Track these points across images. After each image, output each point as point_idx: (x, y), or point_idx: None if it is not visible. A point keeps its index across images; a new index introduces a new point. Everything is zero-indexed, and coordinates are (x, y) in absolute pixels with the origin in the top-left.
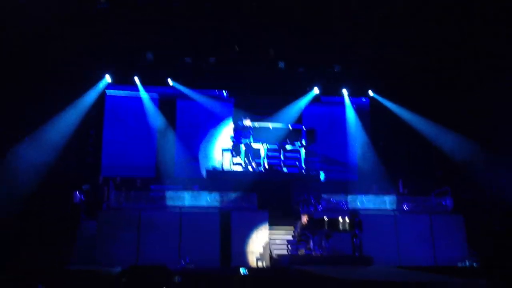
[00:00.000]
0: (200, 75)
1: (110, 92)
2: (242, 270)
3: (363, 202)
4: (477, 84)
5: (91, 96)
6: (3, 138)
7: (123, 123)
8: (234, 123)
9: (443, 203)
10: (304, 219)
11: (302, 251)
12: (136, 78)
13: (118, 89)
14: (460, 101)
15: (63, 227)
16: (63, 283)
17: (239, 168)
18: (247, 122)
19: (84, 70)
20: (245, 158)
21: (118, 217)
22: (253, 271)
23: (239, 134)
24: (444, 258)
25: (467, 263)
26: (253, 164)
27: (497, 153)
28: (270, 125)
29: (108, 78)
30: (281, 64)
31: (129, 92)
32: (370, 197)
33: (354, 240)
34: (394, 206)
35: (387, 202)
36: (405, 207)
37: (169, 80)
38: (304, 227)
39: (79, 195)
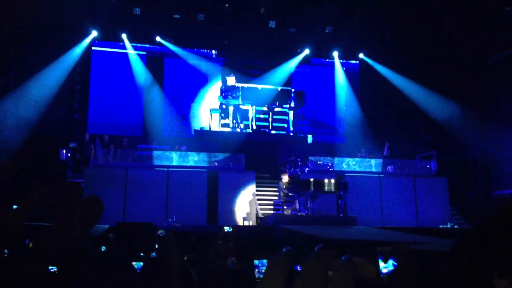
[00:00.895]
0: (188, 33)
1: (97, 48)
2: (226, 228)
3: (350, 164)
4: (467, 47)
5: (77, 51)
6: None
7: (110, 80)
8: (223, 84)
9: (428, 166)
10: (285, 178)
11: (288, 211)
12: (123, 35)
13: (105, 46)
14: (449, 65)
15: (49, 184)
16: (50, 240)
17: (227, 129)
18: (231, 80)
19: (70, 24)
20: (233, 119)
21: (105, 175)
22: (239, 229)
23: (228, 94)
24: (426, 220)
25: (449, 225)
26: (241, 125)
27: (484, 116)
28: (259, 86)
29: (94, 33)
30: (272, 24)
31: (116, 49)
32: (357, 159)
33: (339, 201)
34: (380, 169)
35: (373, 165)
36: (389, 169)
37: (157, 38)
38: (290, 188)
39: (65, 153)
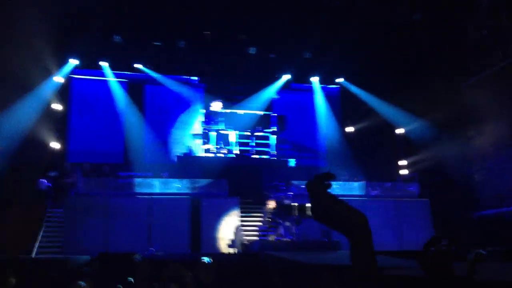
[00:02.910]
0: (169, 59)
1: (77, 76)
2: (206, 259)
3: (333, 188)
4: (445, 71)
5: (56, 79)
6: None
7: (90, 108)
8: (205, 109)
9: (410, 188)
10: (271, 204)
11: (272, 237)
12: (104, 63)
13: (85, 74)
14: (426, 88)
15: (30, 215)
16: (32, 273)
17: (210, 154)
18: (217, 105)
19: (50, 53)
20: (216, 145)
21: (86, 204)
22: (222, 257)
23: (210, 120)
24: (410, 242)
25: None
26: (224, 150)
27: (463, 138)
28: (241, 111)
29: (74, 62)
30: (253, 50)
31: (97, 76)
32: (340, 183)
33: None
34: (363, 192)
35: (356, 188)
36: (372, 192)
37: (137, 65)
38: (272, 213)
39: (46, 182)
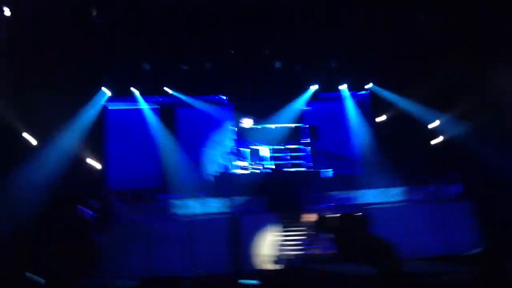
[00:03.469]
0: (197, 81)
1: (112, 107)
2: (253, 282)
3: (372, 195)
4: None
5: (92, 111)
6: (7, 159)
7: (127, 136)
8: (236, 127)
9: (453, 190)
10: (311, 217)
11: (316, 250)
12: (134, 90)
13: (118, 102)
14: (463, 87)
15: (75, 245)
16: None
17: (245, 172)
18: (248, 122)
19: (80, 84)
20: (251, 161)
21: (129, 230)
22: (265, 273)
23: (242, 136)
24: (456, 246)
25: (479, 250)
26: (259, 166)
27: (505, 137)
28: (272, 125)
29: (107, 92)
30: (278, 64)
31: (130, 104)
32: (378, 190)
33: None
34: (403, 198)
35: (396, 194)
36: (413, 197)
37: (167, 89)
38: (315, 226)
39: (88, 211)
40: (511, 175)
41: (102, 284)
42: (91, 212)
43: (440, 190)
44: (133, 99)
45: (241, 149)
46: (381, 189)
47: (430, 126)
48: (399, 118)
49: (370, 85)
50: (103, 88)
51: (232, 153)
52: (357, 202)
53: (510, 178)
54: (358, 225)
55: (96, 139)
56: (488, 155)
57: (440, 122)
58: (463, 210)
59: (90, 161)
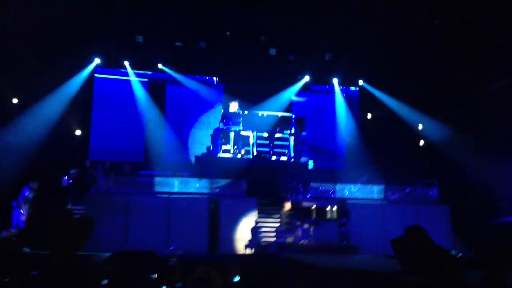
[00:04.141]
0: (190, 60)
1: (99, 75)
2: (236, 278)
3: (351, 191)
4: (467, 75)
5: (80, 78)
6: None
7: (112, 107)
8: (224, 110)
9: (430, 193)
10: (287, 206)
11: (290, 239)
12: (126, 62)
13: (107, 73)
14: (449, 92)
15: (52, 211)
16: (52, 267)
17: (228, 155)
18: (234, 106)
19: (73, 51)
20: (234, 145)
21: (106, 202)
22: (240, 257)
23: (229, 120)
24: None
25: (453, 253)
26: (242, 151)
27: (484, 144)
28: (260, 112)
29: (97, 61)
30: (272, 51)
31: (119, 76)
32: (358, 186)
33: (342, 228)
34: (382, 196)
35: (374, 191)
36: (391, 196)
37: (159, 65)
38: (292, 215)
39: (66, 179)
40: (489, 182)
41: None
42: (68, 180)
43: (418, 192)
44: (123, 71)
45: (226, 132)
46: (361, 186)
47: (415, 128)
48: (385, 117)
49: (361, 82)
50: (95, 58)
51: (217, 135)
52: (336, 195)
53: (487, 186)
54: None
55: (81, 107)
56: (467, 161)
57: (424, 126)
58: (438, 214)
59: (73, 128)
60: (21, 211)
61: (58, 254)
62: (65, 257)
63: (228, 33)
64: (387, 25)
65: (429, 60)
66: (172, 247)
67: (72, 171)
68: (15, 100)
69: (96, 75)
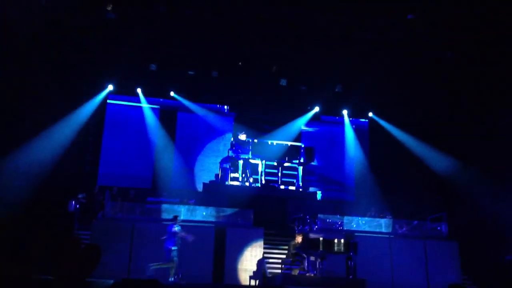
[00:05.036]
0: (202, 88)
1: (112, 101)
2: None
3: (359, 223)
4: (478, 108)
5: (92, 104)
6: (3, 143)
7: (123, 133)
8: (234, 138)
9: (438, 228)
10: (298, 239)
11: (296, 271)
12: (138, 89)
13: (120, 99)
14: (459, 125)
15: (56, 236)
16: None
17: (236, 183)
18: (243, 137)
19: (87, 78)
20: (243, 173)
21: (112, 228)
22: None
23: (238, 148)
24: (437, 284)
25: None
26: (251, 179)
27: (495, 179)
28: (269, 141)
29: (110, 87)
30: (283, 82)
31: (131, 102)
32: (366, 219)
33: (349, 262)
34: (390, 230)
35: (382, 225)
36: (399, 230)
37: (171, 92)
38: (298, 247)
39: (74, 204)
40: (498, 218)
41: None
42: (75, 205)
43: (426, 227)
44: (135, 98)
45: (235, 160)
46: (369, 219)
47: (425, 161)
48: (395, 150)
49: (371, 114)
50: (109, 85)
51: (226, 163)
52: (343, 227)
53: (497, 221)
54: None
55: (93, 132)
56: (478, 197)
57: (434, 159)
58: (447, 249)
59: (84, 153)
60: None
61: (64, 280)
62: (71, 283)
63: (240, 63)
64: (398, 58)
65: (440, 94)
66: (176, 276)
67: (80, 196)
68: (28, 123)
69: (108, 101)
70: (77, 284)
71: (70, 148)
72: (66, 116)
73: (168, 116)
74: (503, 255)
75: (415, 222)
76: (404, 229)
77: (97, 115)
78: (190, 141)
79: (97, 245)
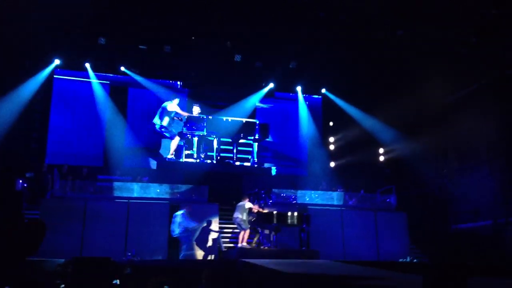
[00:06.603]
0: (154, 63)
1: (59, 76)
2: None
3: (312, 197)
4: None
5: (38, 79)
6: None
7: (72, 109)
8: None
9: (388, 200)
10: (247, 204)
11: (250, 245)
12: (87, 64)
13: (67, 74)
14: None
15: (3, 216)
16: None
17: (190, 160)
18: (196, 110)
19: (33, 51)
20: (197, 150)
21: (62, 207)
22: (202, 263)
23: (192, 125)
24: (386, 253)
25: (408, 259)
26: (202, 155)
27: (443, 153)
28: (224, 118)
29: (57, 62)
30: (238, 58)
31: (79, 77)
32: (319, 192)
33: (302, 234)
34: (341, 202)
35: (334, 198)
36: (350, 202)
37: (122, 67)
38: (253, 221)
39: (21, 183)
40: (444, 191)
41: (30, 260)
42: (23, 184)
43: (376, 199)
44: (84, 73)
45: (189, 137)
46: (322, 192)
47: (375, 137)
48: (346, 126)
49: (324, 90)
50: (55, 60)
51: (180, 140)
52: (297, 201)
53: (442, 193)
54: None
55: (39, 109)
56: (426, 170)
57: (384, 135)
58: (395, 221)
59: (30, 131)
60: None
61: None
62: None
63: (193, 37)
64: (350, 35)
65: (390, 71)
66: (129, 254)
67: (28, 175)
68: None
69: (55, 76)
70: (20, 262)
71: (15, 126)
72: (10, 92)
73: (119, 92)
74: (448, 224)
75: (366, 194)
76: (354, 199)
77: (44, 90)
78: (142, 117)
79: (41, 220)
